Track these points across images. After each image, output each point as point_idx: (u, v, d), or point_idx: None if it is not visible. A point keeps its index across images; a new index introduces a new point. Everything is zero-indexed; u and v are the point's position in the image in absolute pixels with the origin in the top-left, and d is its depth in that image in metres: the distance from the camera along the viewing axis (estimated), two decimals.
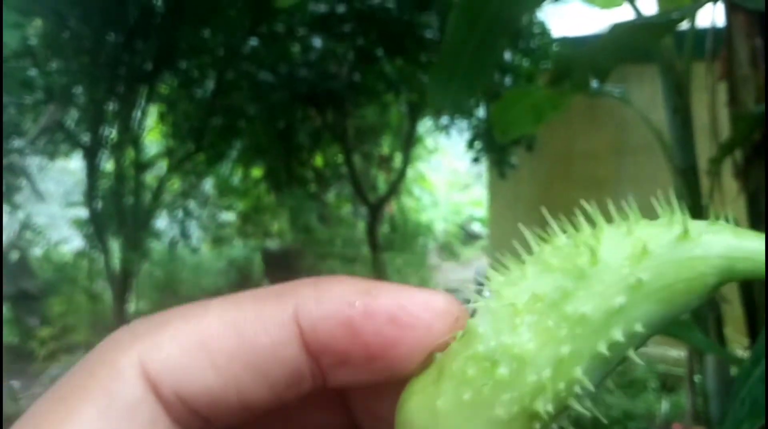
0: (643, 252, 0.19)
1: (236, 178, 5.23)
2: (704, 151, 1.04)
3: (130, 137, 2.91)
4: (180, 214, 4.26)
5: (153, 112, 3.60)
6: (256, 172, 5.19)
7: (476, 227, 6.85)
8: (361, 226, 4.69)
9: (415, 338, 0.20)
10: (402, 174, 4.03)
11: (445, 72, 0.76)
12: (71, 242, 3.67)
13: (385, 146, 5.04)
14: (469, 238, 6.77)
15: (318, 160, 5.01)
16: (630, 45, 0.85)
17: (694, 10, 0.66)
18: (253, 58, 3.25)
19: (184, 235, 4.27)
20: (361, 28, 2.92)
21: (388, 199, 4.65)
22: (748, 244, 0.19)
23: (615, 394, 2.34)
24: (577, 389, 0.19)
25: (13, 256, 2.78)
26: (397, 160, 4.57)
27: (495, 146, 2.98)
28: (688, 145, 1.05)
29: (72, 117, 2.90)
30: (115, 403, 0.19)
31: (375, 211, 4.04)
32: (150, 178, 3.37)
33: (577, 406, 0.19)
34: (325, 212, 5.07)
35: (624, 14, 1.23)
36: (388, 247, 4.76)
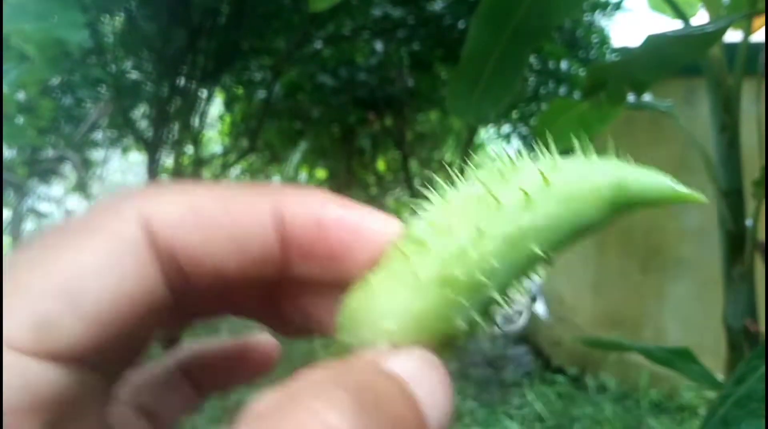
0: (553, 165, 0.23)
1: (302, 179, 5.31)
2: (751, 171, 0.98)
3: (191, 135, 3.00)
4: None
5: (214, 112, 3.70)
6: (321, 173, 5.27)
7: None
8: None
9: (369, 248, 0.24)
10: None
11: (465, 80, 0.75)
12: None
13: (448, 153, 5.01)
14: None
15: (380, 164, 5.03)
16: (668, 58, 0.81)
17: (728, 24, 0.62)
18: (315, 60, 3.29)
19: None
20: (416, 33, 2.92)
21: None
22: (639, 170, 0.23)
23: (662, 420, 2.25)
24: (488, 265, 0.22)
25: None
26: (456, 167, 4.54)
27: None
28: (734, 166, 0.99)
29: (137, 113, 3.02)
30: (118, 240, 0.21)
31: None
32: (208, 175, 3.46)
33: (484, 280, 0.22)
34: None
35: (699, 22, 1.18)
36: None
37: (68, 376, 0.20)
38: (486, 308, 0.23)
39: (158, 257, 0.22)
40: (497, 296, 0.22)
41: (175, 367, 0.29)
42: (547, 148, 0.23)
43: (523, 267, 0.23)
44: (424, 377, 0.21)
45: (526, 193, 0.22)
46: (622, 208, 0.23)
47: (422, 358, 0.22)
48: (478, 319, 0.23)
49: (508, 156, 0.24)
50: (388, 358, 0.21)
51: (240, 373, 0.30)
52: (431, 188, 0.25)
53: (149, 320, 0.22)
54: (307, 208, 0.24)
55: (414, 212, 0.25)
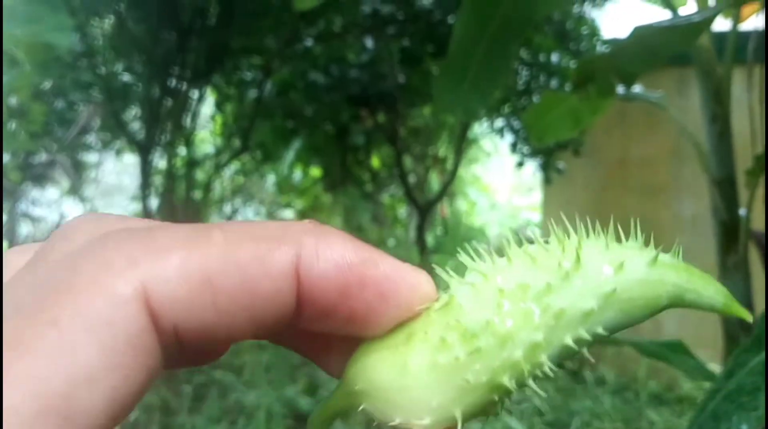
0: (620, 267, 0.22)
1: (297, 177, 5.31)
2: (744, 160, 0.98)
3: (183, 135, 2.99)
4: (231, 210, 4.36)
5: (206, 112, 3.69)
6: (315, 171, 5.26)
7: (533, 232, 6.71)
8: (415, 228, 4.68)
9: (397, 313, 0.22)
10: (452, 176, 3.98)
11: (452, 76, 0.74)
12: None
13: (441, 148, 5.00)
14: (525, 242, 6.64)
15: (375, 161, 5.02)
16: (656, 49, 0.80)
17: (714, 14, 0.61)
18: (305, 58, 3.28)
19: None
20: (406, 29, 2.92)
21: (439, 201, 4.61)
22: (696, 280, 0.24)
23: (662, 411, 2.25)
24: (538, 372, 0.22)
25: None
26: (451, 161, 4.54)
27: (541, 150, 2.91)
28: (726, 155, 0.98)
29: (129, 115, 3.01)
30: (118, 336, 0.18)
31: (424, 213, 4.01)
32: (202, 175, 3.45)
33: (533, 386, 0.22)
34: (378, 212, 5.08)
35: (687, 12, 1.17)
36: (439, 250, 4.73)
37: None
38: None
39: (159, 339, 0.19)
40: (536, 389, 0.22)
41: None
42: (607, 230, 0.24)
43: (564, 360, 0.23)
44: None
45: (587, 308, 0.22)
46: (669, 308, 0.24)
47: None
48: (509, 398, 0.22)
49: (560, 240, 0.24)
50: None
51: None
52: (476, 256, 0.24)
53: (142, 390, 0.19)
54: (330, 267, 0.21)
55: (450, 277, 0.23)
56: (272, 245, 0.21)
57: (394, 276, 0.22)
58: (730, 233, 0.96)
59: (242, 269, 0.20)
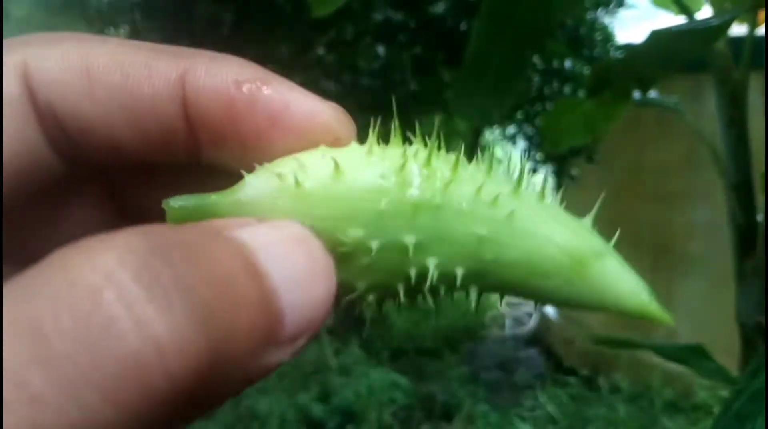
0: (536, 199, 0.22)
1: None
2: (760, 165, 0.97)
3: None
4: None
5: None
6: None
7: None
8: None
9: (288, 143, 0.21)
10: None
11: (469, 81, 0.75)
12: None
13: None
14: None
15: None
16: (674, 53, 0.80)
17: (733, 17, 0.61)
18: (318, 66, 3.30)
19: None
20: (418, 37, 2.92)
21: None
22: (610, 262, 0.22)
23: (677, 420, 2.23)
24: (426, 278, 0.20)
25: None
26: None
27: (554, 157, 2.90)
28: (744, 160, 0.98)
29: None
30: None
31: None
32: None
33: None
34: None
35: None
36: None
37: None
38: (407, 274, 0.20)
39: (39, 119, 0.20)
40: (428, 268, 0.20)
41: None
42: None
43: (454, 264, 0.21)
44: (285, 252, 0.17)
45: (495, 197, 0.21)
46: (576, 290, 0.21)
47: (291, 232, 0.18)
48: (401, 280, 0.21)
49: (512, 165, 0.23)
50: (241, 227, 0.17)
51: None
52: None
53: (33, 179, 0.20)
54: (218, 82, 0.20)
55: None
56: (163, 56, 0.20)
57: (289, 98, 0.21)
58: (747, 238, 0.96)
59: (123, 67, 0.20)
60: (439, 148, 0.23)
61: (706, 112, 1.83)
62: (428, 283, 0.20)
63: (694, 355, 0.67)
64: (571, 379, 2.79)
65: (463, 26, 2.67)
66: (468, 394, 2.57)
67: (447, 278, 0.21)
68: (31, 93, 0.19)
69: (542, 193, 0.22)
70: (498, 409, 2.55)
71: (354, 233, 0.20)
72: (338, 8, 0.89)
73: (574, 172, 3.07)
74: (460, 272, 0.20)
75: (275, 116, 0.21)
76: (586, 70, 2.56)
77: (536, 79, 2.81)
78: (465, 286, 0.21)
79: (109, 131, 0.20)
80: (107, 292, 0.13)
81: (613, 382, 2.71)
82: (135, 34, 2.76)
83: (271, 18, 2.81)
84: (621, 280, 0.20)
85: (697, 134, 1.05)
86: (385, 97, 3.40)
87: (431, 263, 0.20)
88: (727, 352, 0.92)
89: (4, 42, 0.20)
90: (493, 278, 0.21)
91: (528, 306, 3.56)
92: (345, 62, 3.40)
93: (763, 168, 0.95)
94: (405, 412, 2.42)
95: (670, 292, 2.79)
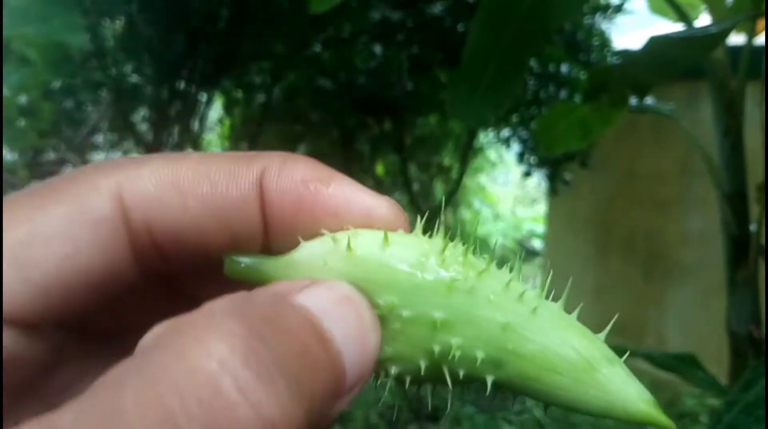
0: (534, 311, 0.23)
1: None
2: (755, 176, 0.97)
3: (190, 138, 2.99)
4: None
5: (214, 115, 3.70)
6: None
7: (536, 244, 6.70)
8: None
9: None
10: (457, 185, 3.98)
11: (466, 83, 0.74)
12: None
13: (446, 157, 5.00)
14: (528, 254, 6.63)
15: (379, 168, 5.02)
16: (671, 60, 0.80)
17: (732, 25, 0.61)
18: (314, 64, 3.29)
19: None
20: (415, 37, 2.92)
21: (443, 210, 4.60)
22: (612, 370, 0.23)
23: None
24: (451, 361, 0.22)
25: None
26: (456, 171, 4.53)
27: (548, 161, 2.90)
28: (738, 170, 0.98)
29: (137, 116, 3.02)
30: (83, 210, 0.21)
31: (427, 221, 4.00)
32: None
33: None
34: None
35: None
36: None
37: (25, 339, 0.20)
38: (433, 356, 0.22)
39: (130, 232, 0.21)
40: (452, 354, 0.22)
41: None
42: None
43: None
44: (340, 313, 0.20)
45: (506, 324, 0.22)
46: (585, 390, 0.22)
47: (340, 293, 0.21)
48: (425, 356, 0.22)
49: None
50: (301, 292, 0.20)
51: None
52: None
53: (114, 293, 0.22)
54: (289, 181, 0.23)
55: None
56: (240, 162, 0.23)
57: (349, 195, 0.23)
58: (740, 248, 0.95)
59: (211, 178, 0.22)
60: (474, 250, 0.24)
61: (701, 119, 1.83)
62: (449, 359, 0.22)
63: (685, 363, 0.67)
64: None
65: (460, 27, 2.67)
66: (455, 396, 2.56)
67: (467, 361, 0.22)
68: (124, 214, 0.21)
69: (562, 305, 0.24)
70: (484, 412, 2.54)
71: (389, 299, 0.22)
72: (336, 6, 0.88)
73: (568, 176, 3.08)
74: (480, 356, 0.22)
75: (337, 211, 0.23)
76: (583, 75, 2.56)
77: (532, 82, 2.81)
78: (483, 373, 0.22)
79: (200, 236, 0.22)
80: (224, 379, 0.16)
81: None
82: (131, 27, 2.75)
83: (268, 14, 2.80)
84: (629, 386, 0.22)
85: (692, 142, 1.04)
86: (380, 96, 3.40)
87: (455, 342, 0.22)
88: (716, 360, 0.92)
89: (97, 165, 0.22)
90: (509, 369, 0.22)
91: None
92: (341, 60, 3.39)
93: (757, 178, 0.94)
94: (392, 412, 2.41)
95: (662, 300, 2.80)
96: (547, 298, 0.24)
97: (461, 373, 0.22)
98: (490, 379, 0.22)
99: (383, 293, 0.22)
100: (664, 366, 0.69)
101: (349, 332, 0.20)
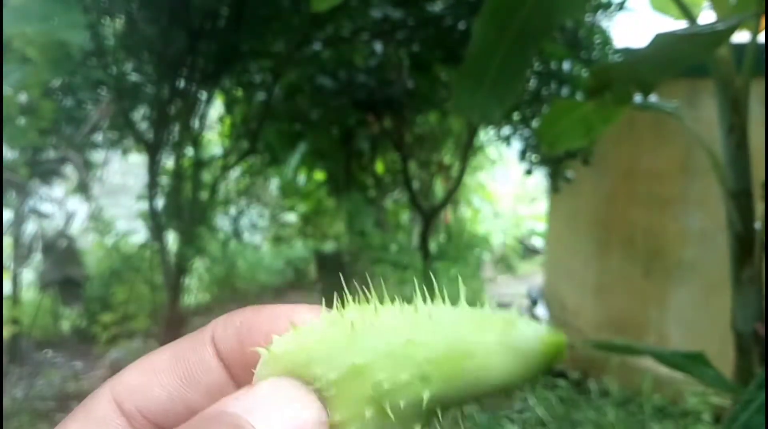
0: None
1: (301, 181, 5.31)
2: (759, 173, 0.97)
3: (190, 137, 2.99)
4: (236, 212, 4.37)
5: (214, 113, 3.69)
6: (319, 175, 5.26)
7: (537, 242, 6.70)
8: (418, 234, 4.67)
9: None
10: (458, 183, 3.98)
11: (470, 80, 0.73)
12: (139, 233, 3.79)
13: (446, 155, 5.00)
14: (528, 252, 6.63)
15: (379, 166, 5.02)
16: (676, 57, 0.80)
17: (737, 23, 0.61)
18: (314, 62, 3.28)
19: (237, 233, 4.41)
20: (415, 35, 2.91)
21: (443, 208, 4.60)
22: None
23: (666, 425, 2.23)
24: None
25: (61, 244, 2.94)
26: (456, 168, 4.53)
27: (550, 159, 2.90)
28: (743, 167, 0.98)
29: (137, 115, 3.02)
30: (89, 418, 0.26)
31: (428, 219, 4.00)
32: (208, 176, 3.45)
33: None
34: (381, 218, 5.07)
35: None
36: (442, 257, 4.71)
37: None
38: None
39: (127, 418, 0.27)
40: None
41: None
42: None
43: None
44: (265, 408, 0.23)
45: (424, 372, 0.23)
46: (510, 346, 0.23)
47: (267, 389, 0.24)
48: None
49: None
50: (233, 400, 0.24)
51: None
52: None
53: None
54: (231, 330, 0.27)
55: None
56: (197, 333, 0.28)
57: (273, 314, 0.27)
58: (745, 246, 0.95)
59: (176, 353, 0.27)
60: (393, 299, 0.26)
61: (704, 117, 1.83)
62: (385, 395, 0.23)
63: (694, 362, 0.67)
64: (561, 382, 2.79)
65: (461, 25, 2.66)
66: None
67: (399, 388, 0.23)
68: (119, 406, 0.26)
69: (463, 298, 0.25)
70: (487, 411, 2.55)
71: (316, 372, 0.24)
72: (336, 4, 0.88)
73: (570, 174, 3.07)
74: (404, 378, 0.23)
75: (269, 329, 0.26)
76: (584, 73, 2.56)
77: (533, 80, 2.80)
78: (418, 392, 0.23)
79: (182, 401, 0.27)
80: None
81: (602, 385, 2.72)
82: (131, 25, 2.74)
83: (268, 12, 2.80)
84: (535, 330, 0.23)
85: (696, 140, 1.04)
86: (380, 94, 3.39)
87: (382, 377, 0.23)
88: (719, 358, 0.91)
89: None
90: (435, 376, 0.23)
91: (519, 308, 3.55)
92: (342, 58, 3.39)
93: (762, 176, 0.94)
94: None
95: (663, 298, 2.80)
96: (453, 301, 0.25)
97: (402, 404, 0.23)
98: (426, 395, 0.23)
99: (309, 371, 0.24)
100: (672, 364, 0.68)
101: (281, 417, 0.23)
